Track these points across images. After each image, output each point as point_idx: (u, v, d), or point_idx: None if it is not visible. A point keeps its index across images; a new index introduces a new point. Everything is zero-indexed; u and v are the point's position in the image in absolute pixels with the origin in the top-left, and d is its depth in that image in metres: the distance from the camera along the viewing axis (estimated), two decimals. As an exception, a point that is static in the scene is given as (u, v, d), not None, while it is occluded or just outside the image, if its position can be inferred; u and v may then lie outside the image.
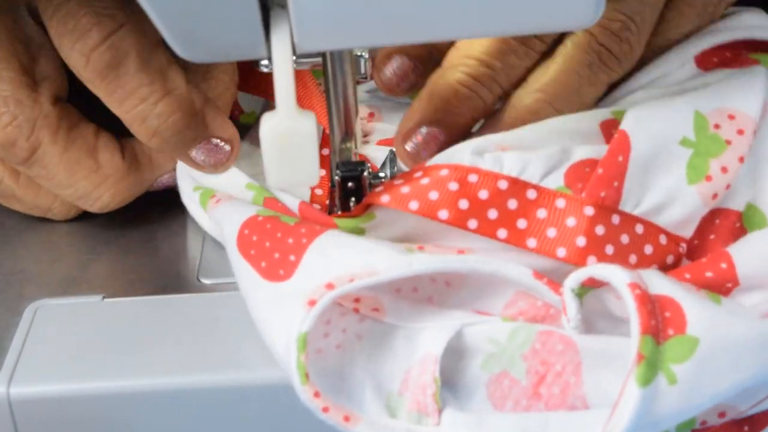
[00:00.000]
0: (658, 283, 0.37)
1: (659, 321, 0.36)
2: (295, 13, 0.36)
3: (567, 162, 0.41)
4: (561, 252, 0.40)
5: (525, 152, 0.42)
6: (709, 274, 0.40)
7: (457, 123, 0.47)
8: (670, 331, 0.36)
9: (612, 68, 0.47)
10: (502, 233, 0.40)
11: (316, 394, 0.38)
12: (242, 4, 0.36)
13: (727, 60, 0.48)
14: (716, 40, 0.49)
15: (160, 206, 0.54)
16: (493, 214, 0.40)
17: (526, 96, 0.47)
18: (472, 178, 0.41)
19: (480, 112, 0.48)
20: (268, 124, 0.38)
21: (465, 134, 0.48)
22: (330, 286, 0.38)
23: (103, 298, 0.47)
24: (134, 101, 0.45)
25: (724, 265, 0.40)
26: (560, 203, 0.40)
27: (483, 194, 0.40)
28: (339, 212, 0.48)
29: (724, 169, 0.41)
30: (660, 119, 0.42)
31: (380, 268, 0.39)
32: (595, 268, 0.38)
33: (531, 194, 0.41)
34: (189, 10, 0.36)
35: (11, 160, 0.49)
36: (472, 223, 0.40)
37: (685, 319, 0.36)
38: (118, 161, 0.51)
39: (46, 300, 0.47)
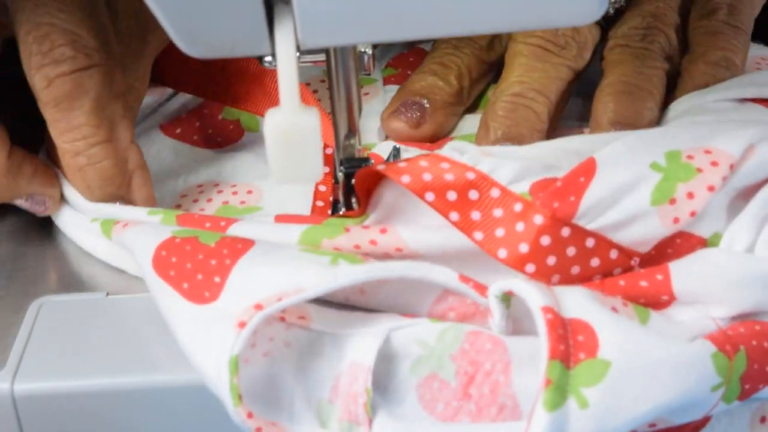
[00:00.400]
0: (575, 306, 0.37)
1: (570, 345, 0.36)
2: (299, 9, 0.36)
3: (543, 174, 0.42)
4: (502, 253, 0.40)
5: (506, 158, 0.42)
6: (643, 284, 0.40)
7: None
8: (581, 355, 0.36)
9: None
10: (453, 215, 0.41)
11: (249, 415, 0.38)
12: (246, 0, 0.36)
13: None
14: (729, 95, 0.50)
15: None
16: (452, 195, 0.41)
17: None
18: (444, 165, 0.41)
19: None
20: (272, 120, 0.38)
21: None
22: (259, 307, 0.38)
23: (107, 294, 0.48)
24: (75, 135, 0.47)
25: (660, 277, 0.40)
26: (517, 207, 0.40)
27: (448, 177, 0.41)
28: (343, 208, 0.48)
29: (690, 195, 0.40)
30: (633, 148, 0.42)
31: (306, 285, 0.39)
32: (515, 283, 0.38)
33: (494, 192, 0.41)
34: (193, 6, 0.36)
35: None
36: (430, 196, 0.41)
37: (598, 342, 0.36)
38: (2, 159, 0.50)
39: (49, 297, 0.47)
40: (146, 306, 0.46)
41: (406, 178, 0.40)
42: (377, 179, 0.43)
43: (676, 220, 0.40)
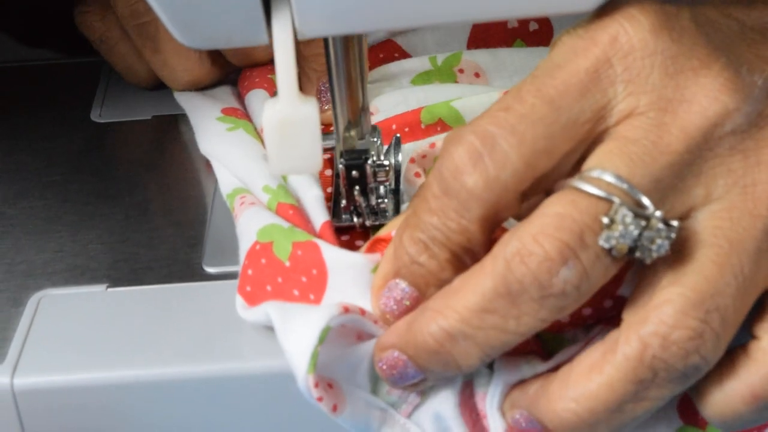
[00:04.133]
0: None
1: None
2: (296, -3, 0.36)
3: None
4: None
5: None
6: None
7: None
8: None
9: (673, 386, 0.38)
10: None
11: (316, 384, 0.39)
12: (243, -11, 0.36)
13: None
14: None
15: (163, 195, 0.54)
16: None
17: (557, 401, 0.39)
18: None
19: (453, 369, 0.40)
20: (269, 111, 0.37)
21: None
22: (363, 311, 0.41)
23: (107, 287, 0.47)
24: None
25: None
26: None
27: None
28: (344, 202, 0.48)
29: None
30: None
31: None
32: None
33: None
34: (189, -4, 0.36)
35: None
36: None
37: None
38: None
39: (49, 290, 0.47)
40: (147, 298, 0.46)
41: None
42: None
43: None
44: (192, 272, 0.48)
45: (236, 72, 0.60)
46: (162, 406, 0.43)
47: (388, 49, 0.61)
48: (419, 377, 0.40)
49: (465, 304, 0.38)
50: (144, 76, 0.61)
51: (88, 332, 0.45)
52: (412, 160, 0.50)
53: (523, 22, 0.61)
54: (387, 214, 0.48)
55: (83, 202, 0.53)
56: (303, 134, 0.38)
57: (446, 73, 0.58)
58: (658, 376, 0.37)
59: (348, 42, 0.43)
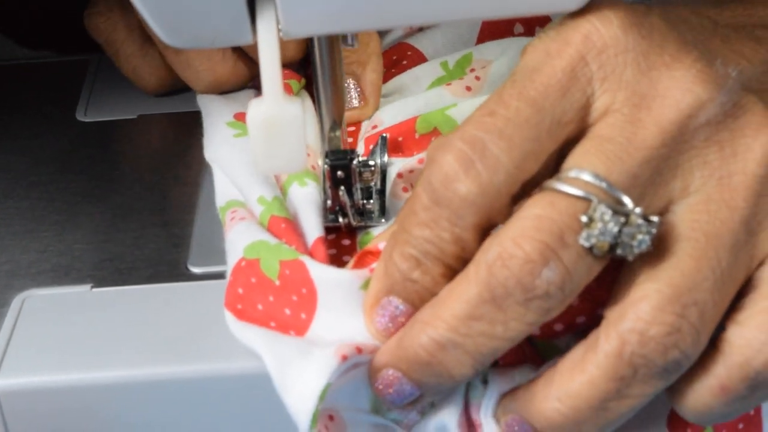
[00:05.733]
0: None
1: None
2: (280, -3, 0.36)
3: None
4: None
5: None
6: None
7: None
8: None
9: (655, 383, 0.38)
10: None
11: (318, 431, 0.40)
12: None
13: None
14: None
15: (149, 195, 0.54)
16: None
17: (543, 401, 0.39)
18: None
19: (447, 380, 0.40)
20: (254, 110, 0.37)
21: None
22: (359, 350, 0.40)
23: (92, 287, 0.47)
24: None
25: None
26: None
27: None
28: (329, 202, 0.48)
29: None
30: None
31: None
32: None
33: None
34: (173, -5, 0.36)
35: None
36: None
37: None
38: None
39: (33, 290, 0.47)
40: (132, 299, 0.46)
41: None
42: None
43: None
44: (177, 272, 0.48)
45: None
46: (147, 407, 0.43)
47: (400, 50, 0.60)
48: (416, 393, 0.40)
49: (452, 313, 0.38)
50: (148, 78, 0.60)
51: (73, 333, 0.44)
52: (400, 175, 0.50)
53: (529, 26, 0.61)
54: (373, 214, 0.48)
55: (68, 202, 0.53)
56: (288, 134, 0.38)
57: (459, 77, 0.57)
58: (639, 372, 0.37)
59: (333, 42, 0.43)
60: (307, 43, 0.53)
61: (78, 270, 0.49)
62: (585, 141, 0.38)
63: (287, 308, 0.42)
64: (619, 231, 0.37)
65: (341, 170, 0.46)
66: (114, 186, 0.54)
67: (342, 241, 0.48)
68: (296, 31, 0.37)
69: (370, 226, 0.48)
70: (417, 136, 0.53)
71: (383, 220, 0.48)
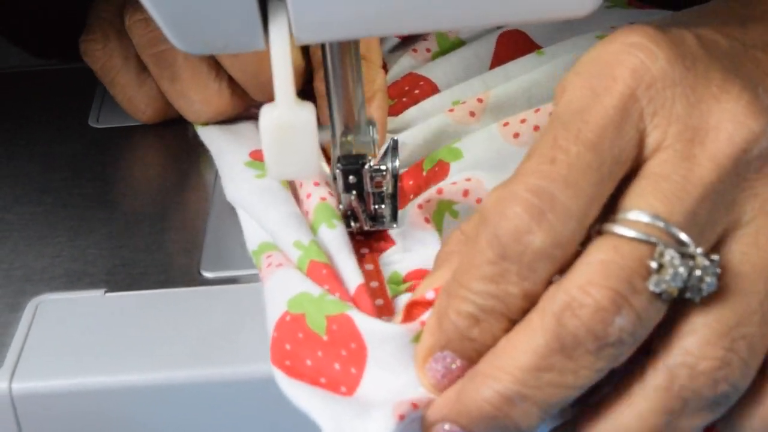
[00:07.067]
0: None
1: None
2: (293, 3, 0.36)
3: None
4: None
5: None
6: None
7: None
8: None
9: (704, 415, 0.38)
10: None
11: None
12: (240, -5, 0.36)
13: None
14: None
15: (161, 200, 0.54)
16: None
17: None
18: None
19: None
20: (267, 116, 0.38)
21: None
22: (415, 406, 0.39)
23: (105, 292, 0.47)
24: None
25: None
26: None
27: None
28: (341, 206, 0.48)
29: None
30: None
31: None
32: None
33: None
34: (186, 1, 0.36)
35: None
36: None
37: None
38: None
39: (47, 295, 0.47)
40: (145, 303, 0.46)
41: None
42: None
43: None
44: (190, 277, 0.48)
45: (258, 105, 0.55)
46: (160, 411, 0.43)
47: (411, 80, 0.59)
48: None
49: (517, 365, 0.37)
50: (143, 109, 0.59)
51: (86, 337, 0.45)
52: (420, 206, 0.50)
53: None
54: (384, 219, 0.48)
55: (81, 207, 0.53)
56: (301, 139, 0.38)
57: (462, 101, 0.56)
58: (689, 406, 0.37)
59: (345, 48, 0.44)
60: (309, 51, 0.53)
61: (91, 275, 0.49)
62: (640, 180, 0.38)
63: (337, 363, 0.42)
64: (689, 275, 0.36)
65: (353, 175, 0.46)
66: (126, 191, 0.55)
67: (360, 250, 0.48)
68: (308, 37, 0.38)
69: (381, 231, 0.48)
70: (424, 173, 0.53)
71: (395, 225, 0.48)
